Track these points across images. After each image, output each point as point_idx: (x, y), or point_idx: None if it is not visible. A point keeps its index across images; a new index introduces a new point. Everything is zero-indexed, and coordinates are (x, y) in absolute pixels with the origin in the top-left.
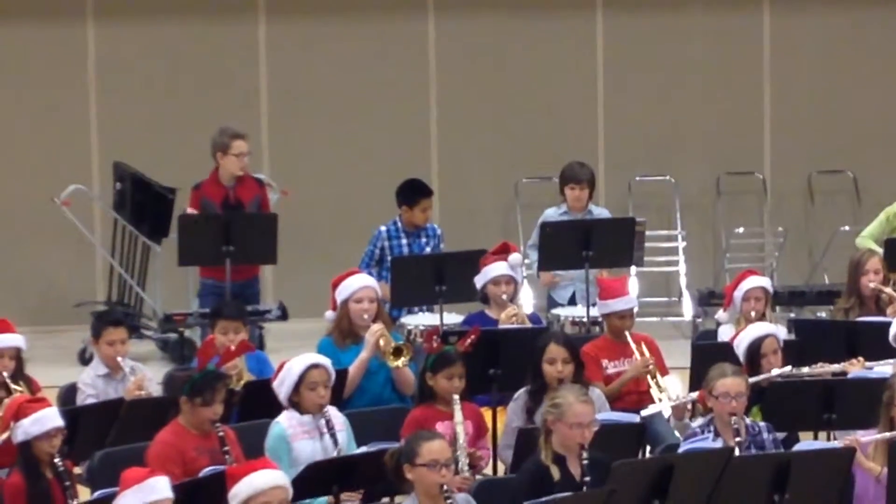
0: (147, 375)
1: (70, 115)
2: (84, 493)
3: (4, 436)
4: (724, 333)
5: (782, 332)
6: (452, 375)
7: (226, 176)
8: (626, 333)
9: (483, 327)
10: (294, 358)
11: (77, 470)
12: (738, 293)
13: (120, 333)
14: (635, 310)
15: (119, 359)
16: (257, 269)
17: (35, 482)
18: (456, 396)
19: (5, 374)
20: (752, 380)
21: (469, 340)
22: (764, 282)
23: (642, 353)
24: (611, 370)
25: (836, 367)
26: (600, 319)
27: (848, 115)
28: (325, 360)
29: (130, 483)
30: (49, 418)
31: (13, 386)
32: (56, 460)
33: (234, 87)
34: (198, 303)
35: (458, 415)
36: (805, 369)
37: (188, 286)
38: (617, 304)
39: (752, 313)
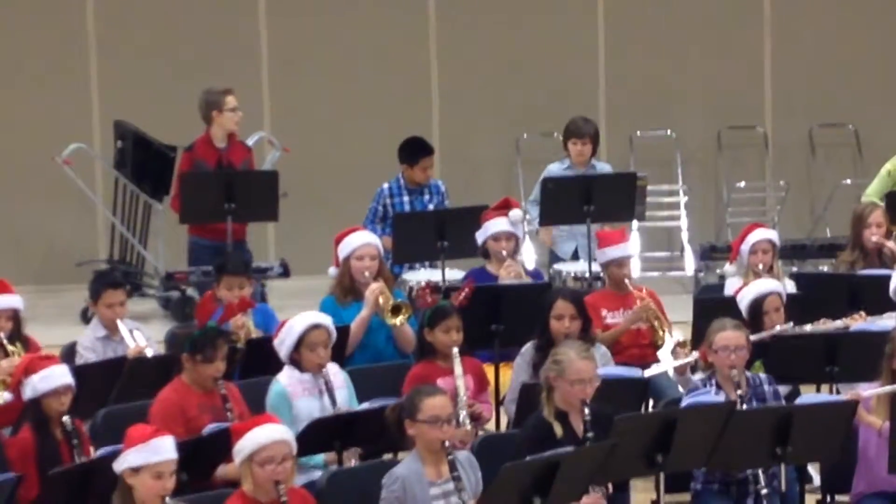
0: (144, 340)
1: (71, 73)
2: None
3: (5, 395)
4: (731, 286)
5: (790, 286)
6: (449, 328)
7: (219, 136)
8: (627, 283)
9: (483, 283)
10: (295, 317)
11: None
12: (745, 246)
13: (119, 296)
14: (633, 259)
15: (119, 321)
16: (245, 233)
17: (45, 440)
18: (455, 350)
19: (2, 334)
20: (753, 337)
21: (463, 294)
22: (771, 234)
23: (642, 298)
24: (609, 320)
25: (838, 322)
26: (602, 275)
27: (849, 69)
28: (327, 320)
29: (135, 441)
30: (58, 375)
31: (9, 347)
32: (65, 419)
33: (234, 44)
34: (188, 262)
35: (458, 369)
36: (808, 327)
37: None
38: (614, 252)
39: (760, 266)
